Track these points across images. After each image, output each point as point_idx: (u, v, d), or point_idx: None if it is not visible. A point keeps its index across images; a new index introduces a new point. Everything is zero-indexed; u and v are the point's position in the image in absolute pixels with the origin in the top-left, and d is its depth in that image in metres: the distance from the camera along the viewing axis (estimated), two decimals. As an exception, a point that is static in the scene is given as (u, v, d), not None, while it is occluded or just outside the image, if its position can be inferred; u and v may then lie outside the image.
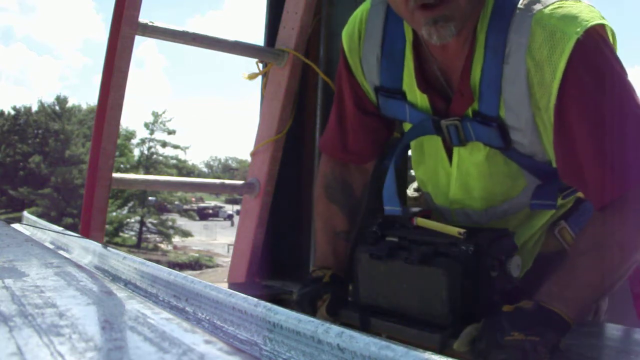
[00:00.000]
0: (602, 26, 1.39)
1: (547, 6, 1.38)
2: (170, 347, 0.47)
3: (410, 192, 2.06)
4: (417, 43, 1.61)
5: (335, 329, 0.56)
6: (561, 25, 1.35)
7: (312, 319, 0.60)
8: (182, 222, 38.89)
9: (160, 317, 0.57)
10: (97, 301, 0.69)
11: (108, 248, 1.33)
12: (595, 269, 1.41)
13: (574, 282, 1.40)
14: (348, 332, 0.54)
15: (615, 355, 1.52)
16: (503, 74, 1.45)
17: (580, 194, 1.76)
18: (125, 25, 2.14)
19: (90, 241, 1.43)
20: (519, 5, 1.41)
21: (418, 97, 1.65)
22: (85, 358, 0.46)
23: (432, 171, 1.80)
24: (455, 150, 1.67)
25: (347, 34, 1.76)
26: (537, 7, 1.39)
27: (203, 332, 0.51)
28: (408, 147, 1.89)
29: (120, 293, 0.76)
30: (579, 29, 1.34)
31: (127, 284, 1.12)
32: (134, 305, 0.64)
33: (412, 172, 2.08)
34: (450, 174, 1.72)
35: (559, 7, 1.37)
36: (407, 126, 1.78)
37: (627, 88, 1.40)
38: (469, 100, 1.53)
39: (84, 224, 2.20)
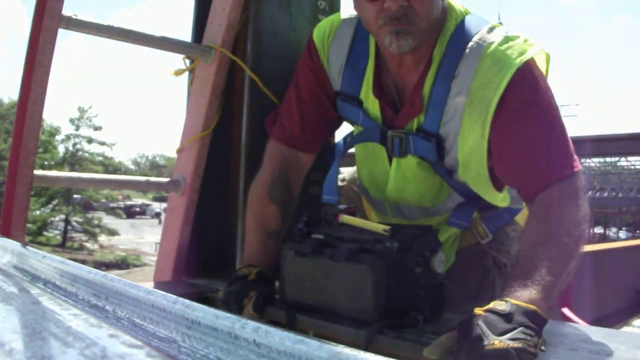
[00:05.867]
0: (539, 56, 1.69)
1: (495, 41, 1.68)
2: (74, 341, 0.46)
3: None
4: (378, 58, 1.87)
5: (252, 324, 0.56)
6: (505, 56, 1.65)
7: (229, 315, 0.60)
8: (109, 221, 38.09)
9: (68, 313, 0.56)
10: (8, 299, 0.67)
11: (27, 247, 1.30)
12: (556, 256, 1.42)
13: (538, 273, 1.37)
14: (264, 327, 0.55)
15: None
16: (449, 92, 1.71)
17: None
18: (47, 18, 2.08)
19: (9, 240, 1.39)
20: (473, 39, 1.70)
21: (371, 104, 1.90)
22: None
23: (373, 170, 2.02)
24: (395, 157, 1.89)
25: (319, 32, 2.00)
26: (488, 41, 1.69)
27: (109, 327, 0.51)
28: (349, 148, 2.15)
29: (34, 291, 0.74)
30: (518, 60, 1.63)
31: (46, 283, 1.09)
32: (45, 302, 0.63)
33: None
34: (389, 175, 1.94)
35: (504, 42, 1.67)
36: (357, 129, 2.03)
37: (553, 106, 1.67)
38: (417, 111, 1.78)
39: (4, 222, 2.14)
